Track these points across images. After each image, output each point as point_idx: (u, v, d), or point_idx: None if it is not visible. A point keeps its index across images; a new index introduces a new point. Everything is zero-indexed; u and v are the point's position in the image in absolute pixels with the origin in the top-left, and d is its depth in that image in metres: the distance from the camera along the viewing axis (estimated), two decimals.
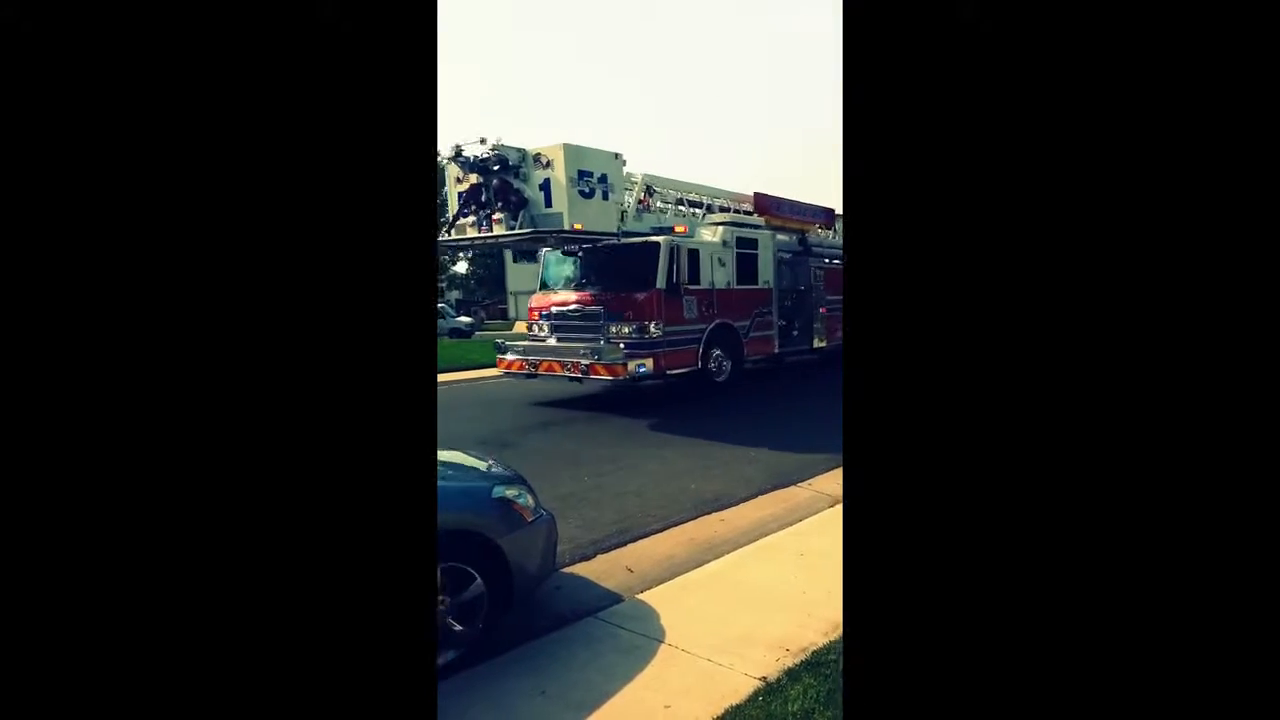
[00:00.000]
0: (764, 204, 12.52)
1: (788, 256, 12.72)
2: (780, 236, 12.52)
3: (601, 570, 4.03)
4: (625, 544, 4.47)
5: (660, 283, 9.62)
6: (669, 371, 9.90)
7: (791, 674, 2.66)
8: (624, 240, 9.97)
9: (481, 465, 3.73)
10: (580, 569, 4.06)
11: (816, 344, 13.25)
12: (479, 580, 3.00)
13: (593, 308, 10.09)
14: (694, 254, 10.21)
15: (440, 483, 3.24)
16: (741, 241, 11.24)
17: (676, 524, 4.83)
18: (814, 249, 13.56)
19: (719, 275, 10.61)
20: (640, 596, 3.52)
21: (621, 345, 9.43)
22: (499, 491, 3.21)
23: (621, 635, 3.08)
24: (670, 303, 9.74)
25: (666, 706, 2.51)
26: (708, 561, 4.00)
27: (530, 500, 3.37)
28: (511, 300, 47.32)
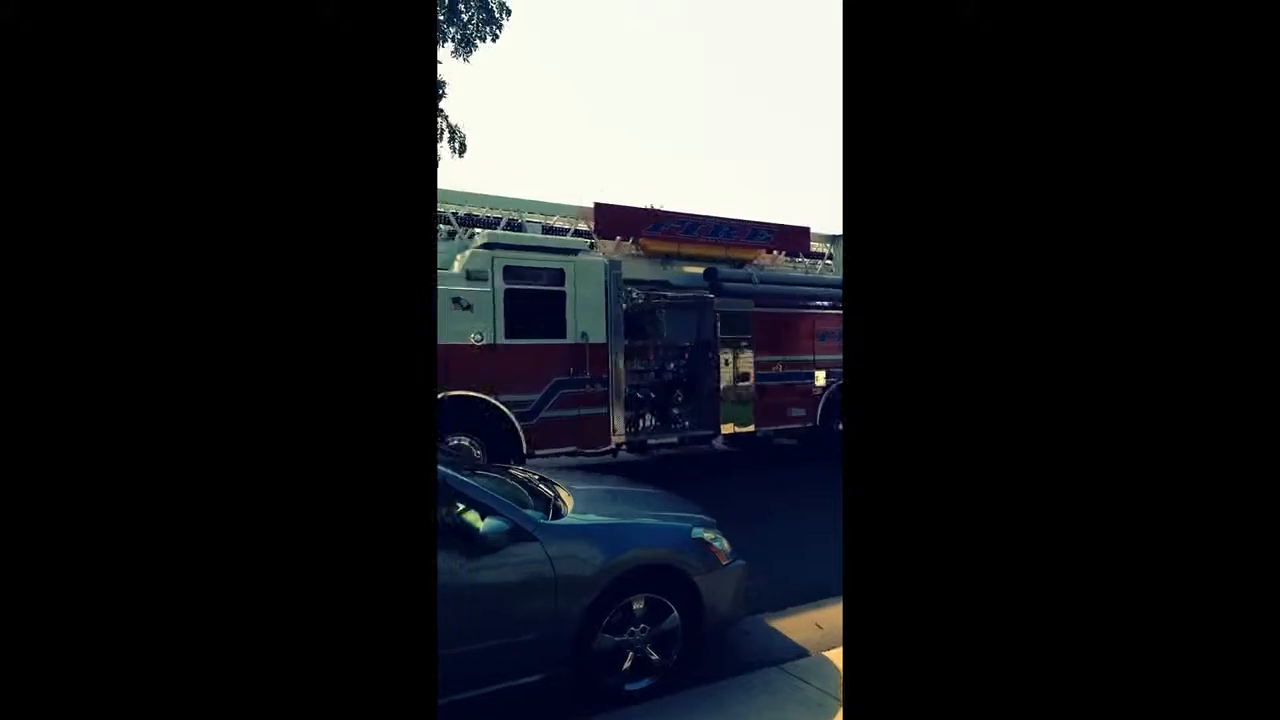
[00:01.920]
0: (608, 220, 8.22)
1: (666, 298, 8.61)
2: (640, 265, 8.41)
3: (791, 625, 4.01)
4: (818, 600, 4.39)
5: None
6: None
7: None
8: None
9: (680, 505, 3.94)
10: (770, 619, 4.07)
11: (730, 428, 8.19)
12: (675, 613, 3.18)
13: None
14: None
15: (646, 519, 3.50)
16: (518, 273, 6.79)
17: None
18: (748, 284, 8.64)
19: (461, 324, 6.45)
20: (827, 654, 3.46)
21: None
22: (698, 532, 3.38)
23: (804, 690, 3.06)
24: None
25: None
26: None
27: (726, 545, 3.50)
28: None
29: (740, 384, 8.44)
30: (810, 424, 9.20)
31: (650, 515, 3.59)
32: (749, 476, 8.31)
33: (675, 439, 8.24)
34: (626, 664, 3.07)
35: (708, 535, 3.40)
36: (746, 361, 8.50)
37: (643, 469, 8.24)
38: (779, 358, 8.85)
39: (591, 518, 3.33)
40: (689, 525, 3.44)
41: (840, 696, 2.97)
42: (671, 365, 8.33)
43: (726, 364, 8.34)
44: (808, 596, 4.42)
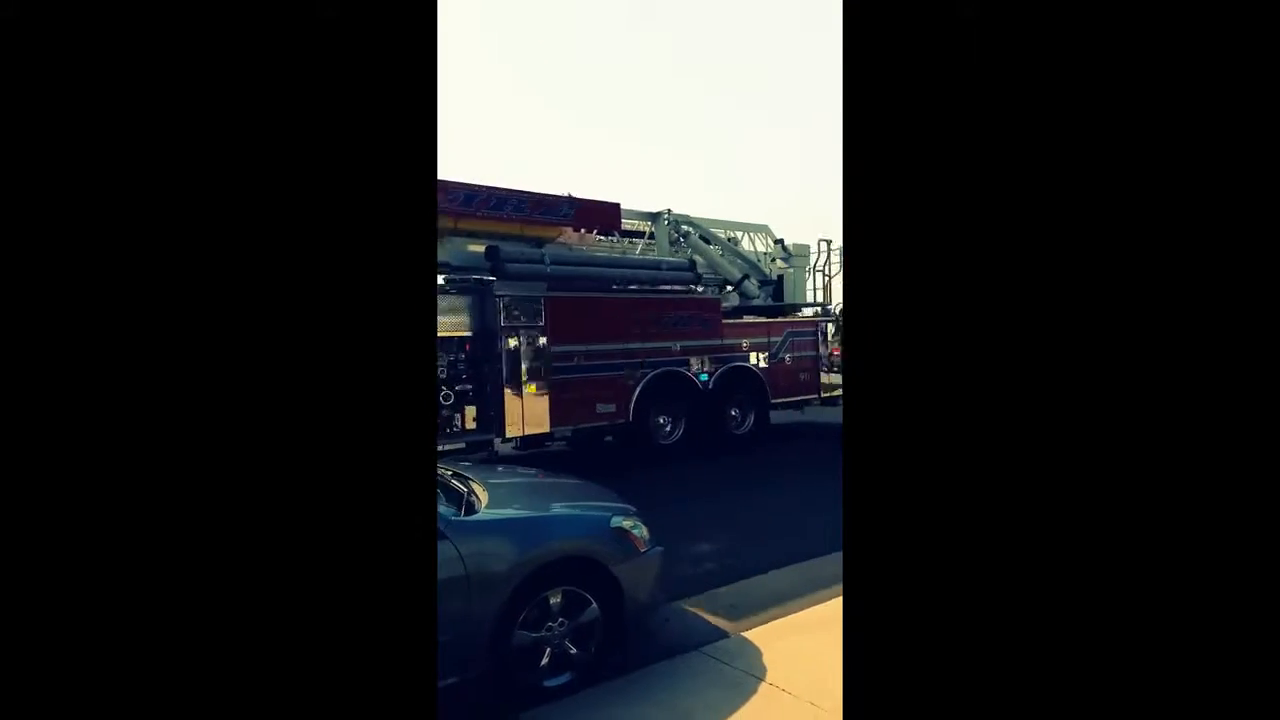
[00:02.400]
0: None
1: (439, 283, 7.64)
2: None
3: (711, 606, 4.02)
4: (735, 581, 4.42)
5: None
6: None
7: None
8: None
9: (600, 494, 3.87)
10: (690, 603, 4.06)
11: (517, 429, 7.33)
12: (594, 605, 3.10)
13: None
14: None
15: (561, 509, 3.41)
16: None
17: (790, 563, 4.72)
18: (537, 265, 7.86)
19: None
20: (746, 634, 3.48)
21: None
22: (616, 521, 3.32)
23: (725, 671, 3.06)
24: None
25: None
26: (818, 602, 3.88)
27: (645, 532, 3.45)
28: None
29: (532, 378, 7.41)
30: (623, 420, 8.16)
31: (567, 507, 3.51)
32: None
33: (462, 444, 7.06)
34: (545, 660, 2.97)
35: (626, 524, 3.34)
36: (538, 352, 7.47)
37: (569, 460, 8.24)
38: (580, 347, 7.84)
39: (506, 512, 3.21)
40: (607, 515, 3.37)
41: (761, 675, 2.99)
42: (449, 358, 7.07)
43: (512, 355, 7.31)
44: (723, 579, 4.46)
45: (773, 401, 9.73)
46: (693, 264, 9.69)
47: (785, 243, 11.54)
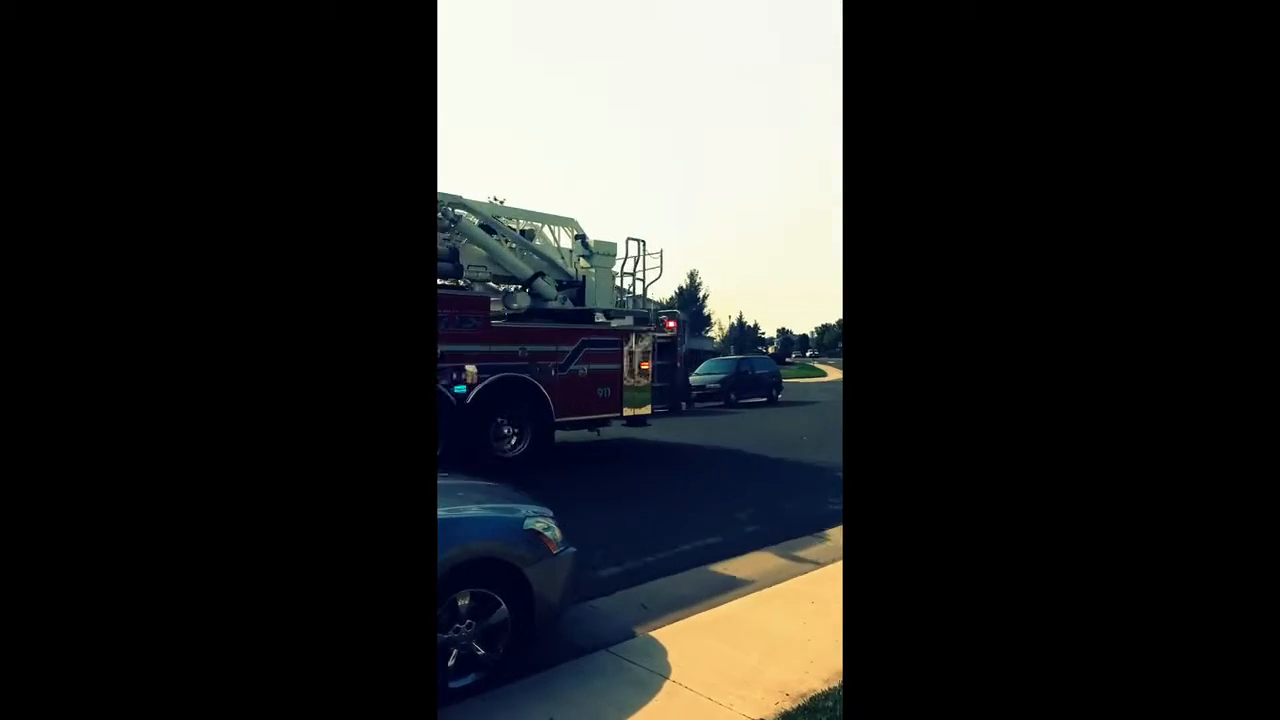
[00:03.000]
0: None
1: None
2: None
3: (618, 606, 4.08)
4: (643, 583, 4.50)
5: None
6: None
7: (787, 717, 2.67)
8: None
9: (513, 496, 3.86)
10: (599, 604, 4.11)
11: None
12: (504, 607, 3.09)
13: None
14: None
15: (473, 511, 3.38)
16: None
17: (694, 566, 4.84)
18: None
19: None
20: (652, 633, 3.56)
21: None
22: (530, 523, 3.32)
23: (631, 670, 3.12)
24: None
25: None
26: (720, 604, 4.01)
27: (557, 534, 3.47)
28: None
29: None
30: None
31: (481, 508, 3.48)
32: None
33: None
34: (451, 661, 2.94)
35: (539, 525, 3.35)
36: None
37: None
38: None
39: None
40: (520, 516, 3.37)
41: (666, 674, 3.07)
42: None
43: None
44: (634, 580, 4.53)
45: (558, 420, 8.45)
46: (454, 254, 8.25)
47: (587, 238, 9.80)
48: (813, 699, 2.81)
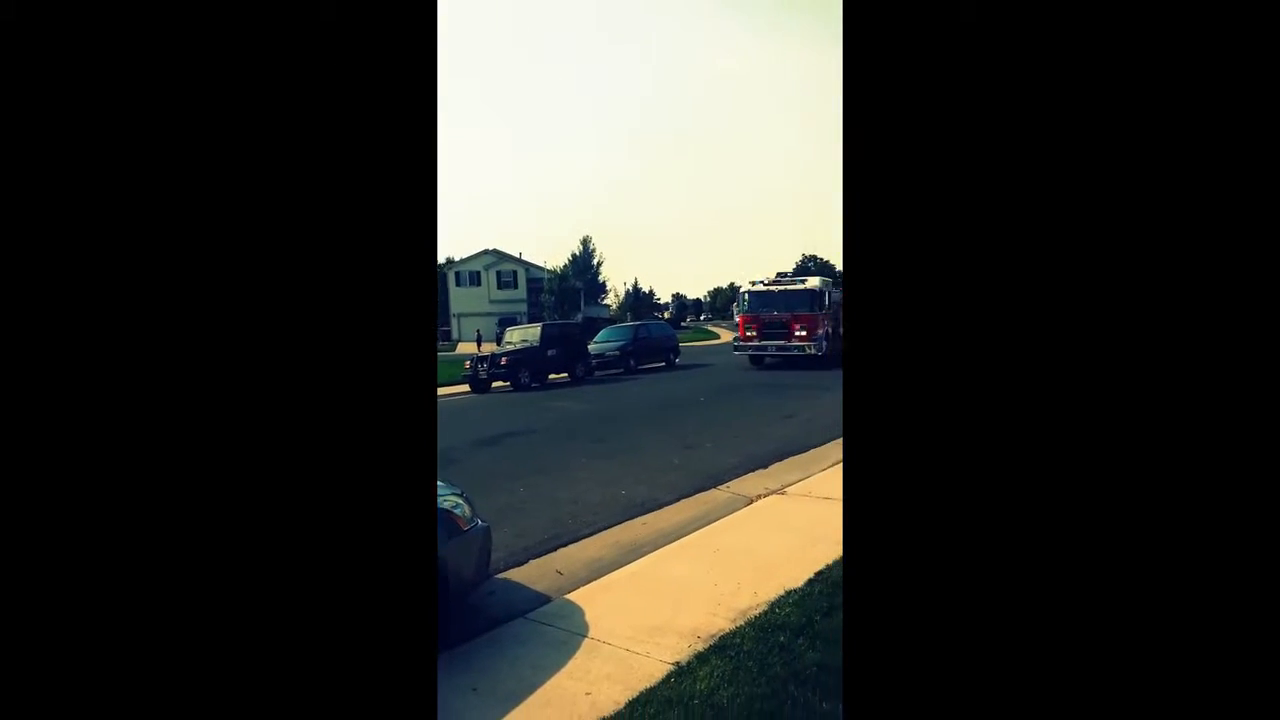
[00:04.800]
0: None
1: None
2: None
3: (533, 575, 4.11)
4: (556, 549, 4.56)
5: None
6: None
7: (701, 657, 2.82)
8: None
9: None
10: (514, 574, 4.13)
11: None
12: None
13: None
14: None
15: None
16: None
17: (604, 528, 4.95)
18: None
19: None
20: (568, 596, 3.62)
21: None
22: (439, 502, 3.27)
23: (549, 632, 3.18)
24: None
25: (588, 693, 2.62)
26: (630, 561, 4.14)
27: (467, 510, 3.44)
28: (455, 322, 46.55)
29: None
30: None
31: None
32: None
33: None
34: None
35: (447, 504, 3.31)
36: None
37: None
38: None
39: None
40: None
41: (584, 632, 3.15)
42: None
43: None
44: (547, 547, 4.58)
45: None
46: None
47: None
48: (722, 638, 2.98)
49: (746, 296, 18.49)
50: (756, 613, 3.22)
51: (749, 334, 18.31)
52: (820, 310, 17.54)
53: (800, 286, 17.96)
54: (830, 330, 17.93)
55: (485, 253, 48.29)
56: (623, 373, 18.91)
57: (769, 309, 17.90)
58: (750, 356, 18.59)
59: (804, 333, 17.25)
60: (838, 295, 18.98)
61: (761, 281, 18.44)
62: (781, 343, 17.68)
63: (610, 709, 2.48)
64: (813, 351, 17.09)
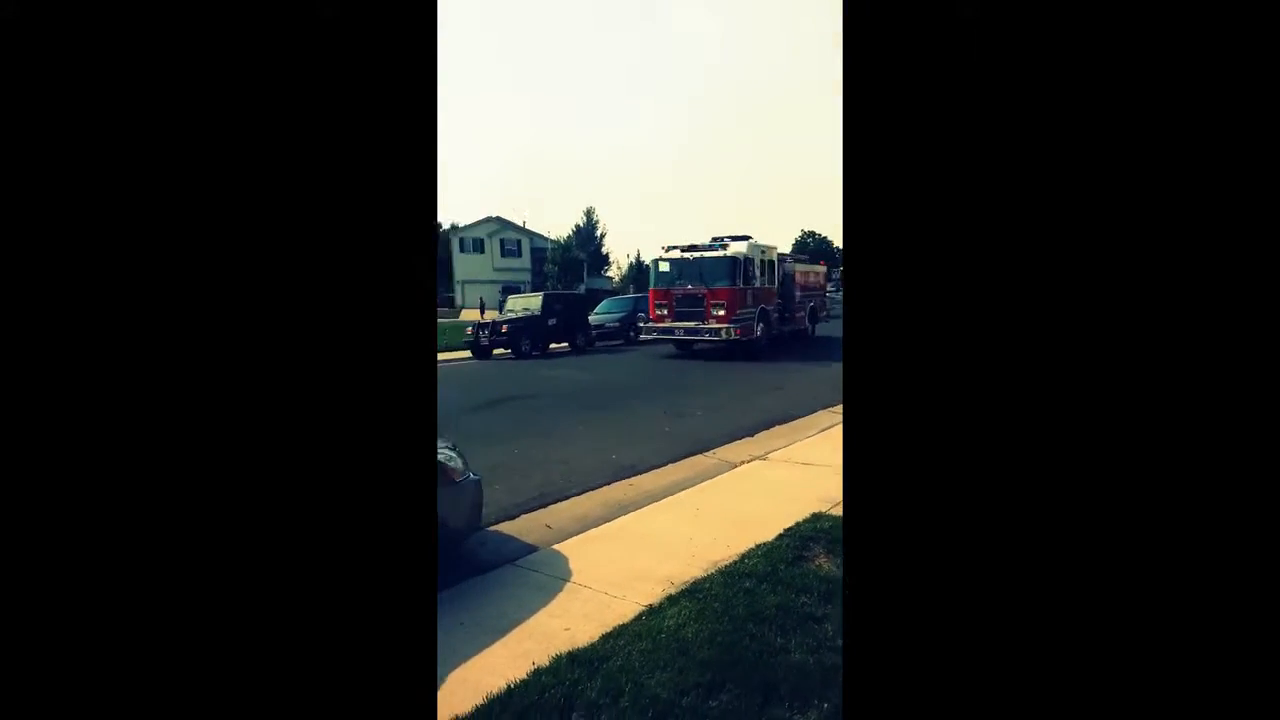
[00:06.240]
0: None
1: None
2: None
3: (523, 528, 4.34)
4: (546, 505, 4.78)
5: None
6: None
7: (671, 599, 3.04)
8: None
9: None
10: (504, 527, 4.36)
11: None
12: None
13: None
14: None
15: None
16: None
17: (593, 488, 5.17)
18: None
19: None
20: (555, 547, 3.85)
21: None
22: None
23: (534, 577, 3.41)
24: None
25: (566, 629, 2.85)
26: (616, 518, 4.36)
27: (460, 463, 3.64)
28: (459, 289, 46.60)
29: None
30: None
31: None
32: None
33: None
34: None
35: (441, 456, 3.51)
36: None
37: None
38: None
39: None
40: None
41: (567, 578, 3.37)
42: None
43: None
44: (537, 504, 4.81)
45: None
46: None
47: None
48: (694, 584, 3.21)
49: (659, 266, 14.85)
50: (727, 563, 3.44)
51: (660, 313, 14.71)
52: (748, 285, 14.06)
53: (719, 254, 14.03)
54: (772, 311, 14.90)
55: (488, 220, 48.07)
56: (622, 343, 19.09)
57: (683, 282, 14.37)
58: (675, 344, 15.02)
59: (722, 312, 13.62)
60: (789, 267, 16.23)
61: (677, 247, 14.73)
62: (693, 324, 14.03)
63: (585, 642, 2.71)
64: (735, 336, 13.61)
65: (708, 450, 6.24)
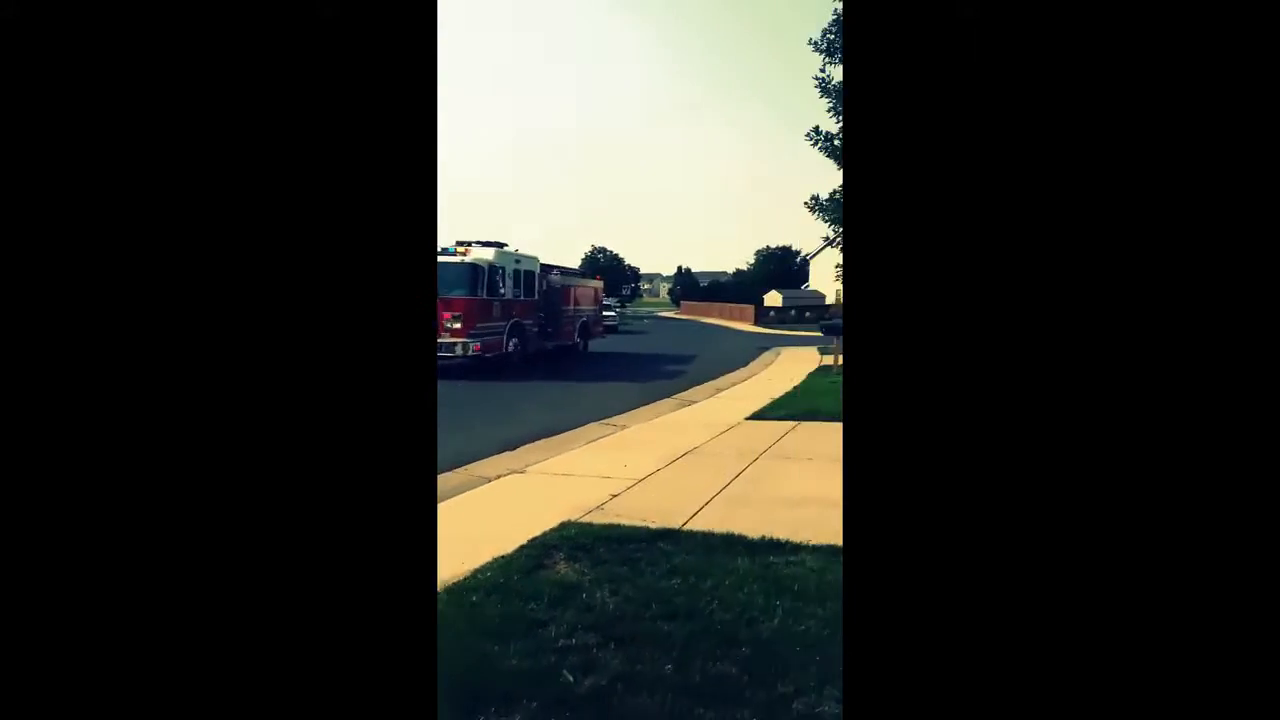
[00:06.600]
0: None
1: None
2: None
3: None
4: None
5: None
6: None
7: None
8: None
9: None
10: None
11: None
12: None
13: None
14: None
15: None
16: None
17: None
18: None
19: None
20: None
21: None
22: None
23: None
24: None
25: None
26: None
27: None
28: None
29: None
30: None
31: None
32: None
33: None
34: None
35: None
36: None
37: None
38: None
39: None
40: None
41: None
42: None
43: None
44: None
45: None
46: None
47: None
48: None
49: None
50: (455, 581, 3.27)
51: None
52: (494, 296, 12.88)
53: (455, 259, 12.56)
54: (530, 325, 13.82)
55: None
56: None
57: None
58: None
59: (458, 325, 12.34)
60: (556, 280, 15.02)
61: None
62: None
63: None
64: (474, 352, 12.36)
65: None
